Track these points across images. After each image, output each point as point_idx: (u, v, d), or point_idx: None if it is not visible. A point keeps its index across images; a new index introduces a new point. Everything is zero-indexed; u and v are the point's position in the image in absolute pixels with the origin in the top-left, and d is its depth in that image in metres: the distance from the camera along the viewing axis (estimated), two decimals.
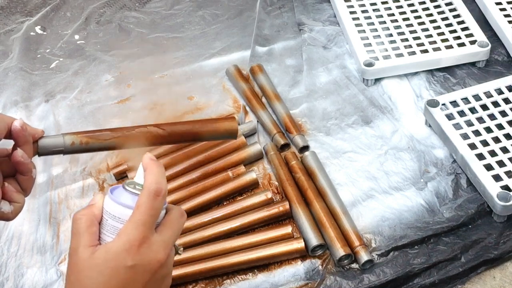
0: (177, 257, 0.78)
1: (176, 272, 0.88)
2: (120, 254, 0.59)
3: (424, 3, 1.24)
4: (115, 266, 0.59)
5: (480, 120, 1.03)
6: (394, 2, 1.25)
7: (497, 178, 0.93)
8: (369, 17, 1.22)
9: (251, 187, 0.99)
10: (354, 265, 0.89)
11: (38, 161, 1.07)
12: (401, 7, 1.24)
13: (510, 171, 0.94)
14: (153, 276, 0.61)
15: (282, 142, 1.04)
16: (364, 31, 1.19)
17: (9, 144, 0.70)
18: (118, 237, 0.60)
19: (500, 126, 1.01)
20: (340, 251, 0.88)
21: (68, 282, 0.61)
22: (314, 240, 0.90)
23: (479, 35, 1.15)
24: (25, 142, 0.69)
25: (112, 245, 0.60)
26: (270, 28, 1.28)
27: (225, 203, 0.98)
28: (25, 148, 0.69)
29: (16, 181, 0.70)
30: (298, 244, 0.90)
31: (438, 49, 1.14)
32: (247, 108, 1.12)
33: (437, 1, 1.24)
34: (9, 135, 0.69)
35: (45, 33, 1.33)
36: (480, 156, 0.96)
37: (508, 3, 1.20)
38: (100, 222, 0.63)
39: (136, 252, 0.59)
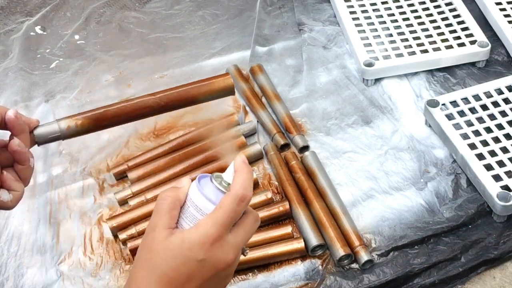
0: None
1: None
2: (194, 246, 0.61)
3: (424, 3, 1.24)
4: (187, 256, 0.61)
5: (480, 120, 1.03)
6: (394, 2, 1.25)
7: (497, 178, 0.93)
8: (369, 17, 1.22)
9: None
10: (354, 265, 0.89)
11: (38, 161, 1.07)
12: (401, 7, 1.24)
13: (510, 171, 0.94)
14: (218, 274, 0.63)
15: (282, 142, 1.04)
16: (364, 31, 1.19)
17: (6, 135, 0.70)
18: (195, 229, 0.62)
19: (500, 126, 1.01)
20: (340, 251, 0.88)
21: (139, 257, 0.63)
22: (314, 240, 0.90)
23: (479, 35, 1.15)
24: (21, 132, 0.70)
25: (189, 235, 0.61)
26: (270, 28, 1.28)
27: None
28: (22, 137, 0.70)
29: (14, 171, 0.70)
30: (298, 244, 0.90)
31: (438, 49, 1.14)
32: (247, 108, 1.12)
33: (437, 1, 1.24)
34: (4, 125, 0.70)
35: (45, 33, 1.33)
36: (480, 156, 0.96)
37: (508, 3, 1.20)
38: (182, 207, 0.65)
39: (209, 248, 0.61)
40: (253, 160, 1.03)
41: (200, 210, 0.64)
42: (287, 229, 0.92)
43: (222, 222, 0.62)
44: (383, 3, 1.25)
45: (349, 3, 1.25)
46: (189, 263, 0.61)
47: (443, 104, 1.04)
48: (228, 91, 0.86)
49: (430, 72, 1.14)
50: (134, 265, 0.64)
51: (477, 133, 1.00)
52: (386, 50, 1.15)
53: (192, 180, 0.67)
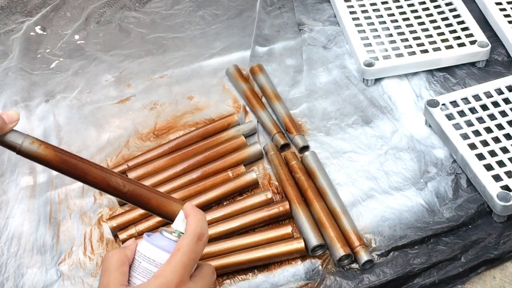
0: None
1: None
2: None
3: (424, 3, 1.24)
4: None
5: (480, 120, 1.03)
6: (394, 2, 1.25)
7: (497, 178, 0.93)
8: (369, 17, 1.22)
9: (251, 187, 0.99)
10: (354, 265, 0.89)
11: None
12: (401, 7, 1.24)
13: (510, 171, 0.94)
14: None
15: (282, 142, 1.04)
16: (364, 31, 1.19)
17: None
18: (154, 279, 0.60)
19: (500, 126, 1.01)
20: (340, 251, 0.88)
21: None
22: (314, 240, 0.90)
23: (479, 35, 1.15)
24: None
25: (148, 287, 0.60)
26: (270, 28, 1.28)
27: (225, 203, 0.98)
28: None
29: None
30: (298, 244, 0.90)
31: (438, 49, 1.14)
32: (247, 108, 1.12)
33: (437, 1, 1.24)
34: None
35: (45, 33, 1.33)
36: (480, 156, 0.96)
37: (508, 3, 1.20)
38: (131, 265, 0.63)
39: None
40: (253, 160, 1.03)
41: (154, 261, 0.63)
42: (287, 229, 0.92)
43: (183, 264, 0.60)
44: (383, 3, 1.25)
45: (349, 3, 1.25)
46: None
47: (443, 104, 1.04)
48: (170, 217, 0.81)
49: (430, 72, 1.14)
50: None
51: (477, 133, 1.00)
52: (386, 50, 1.15)
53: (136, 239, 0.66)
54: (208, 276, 0.64)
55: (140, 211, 0.96)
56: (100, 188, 0.72)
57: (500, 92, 1.07)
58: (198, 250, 0.62)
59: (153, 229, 0.94)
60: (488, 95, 1.06)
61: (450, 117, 1.03)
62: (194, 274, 0.63)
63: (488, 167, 0.95)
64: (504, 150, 0.97)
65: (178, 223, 0.66)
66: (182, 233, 0.65)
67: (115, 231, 0.95)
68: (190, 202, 0.66)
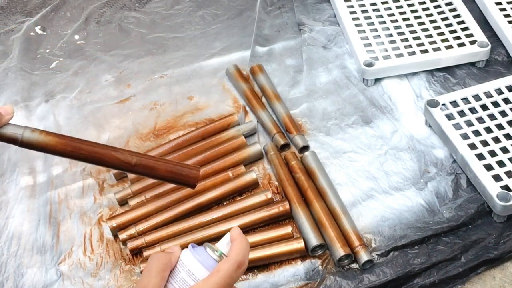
0: None
1: None
2: None
3: (424, 3, 1.24)
4: None
5: (480, 120, 1.03)
6: (394, 2, 1.25)
7: (497, 178, 0.93)
8: (369, 17, 1.22)
9: (251, 187, 0.99)
10: (354, 265, 0.89)
11: (38, 161, 1.08)
12: (401, 7, 1.24)
13: (510, 171, 0.94)
14: None
15: (282, 142, 1.04)
16: (364, 31, 1.19)
17: None
18: None
19: (500, 126, 1.01)
20: (340, 251, 0.88)
21: None
22: (314, 240, 0.90)
23: (479, 35, 1.15)
24: None
25: None
26: (270, 28, 1.28)
27: (225, 203, 0.98)
28: None
29: None
30: (298, 244, 0.90)
31: (438, 49, 1.14)
32: (247, 108, 1.12)
33: (437, 1, 1.24)
34: None
35: (45, 33, 1.33)
36: (480, 156, 0.96)
37: (508, 3, 1.20)
38: (172, 271, 0.66)
39: None
40: (253, 160, 1.03)
41: (193, 275, 0.65)
42: (287, 229, 0.92)
43: (218, 286, 0.62)
44: (383, 3, 1.25)
45: (349, 3, 1.25)
46: None
47: (443, 104, 1.04)
48: (191, 184, 0.86)
49: (430, 72, 1.14)
50: None
51: (477, 133, 1.00)
52: (386, 50, 1.15)
53: (183, 248, 0.68)
54: None
55: (140, 212, 0.96)
56: (110, 165, 0.72)
57: (500, 92, 1.07)
58: (235, 277, 0.64)
59: (153, 228, 0.94)
60: (488, 95, 1.06)
61: (450, 117, 1.03)
62: None
63: (488, 167, 0.95)
64: (504, 150, 0.97)
65: (223, 245, 0.67)
66: (225, 255, 0.67)
67: (115, 231, 0.95)
68: (237, 227, 0.68)
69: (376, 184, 0.99)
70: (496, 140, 0.99)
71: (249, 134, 1.07)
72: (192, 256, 0.66)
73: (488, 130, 1.01)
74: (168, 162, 0.84)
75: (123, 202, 1.00)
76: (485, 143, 0.98)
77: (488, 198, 0.92)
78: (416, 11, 1.23)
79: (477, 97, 1.06)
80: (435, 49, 1.14)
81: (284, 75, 1.18)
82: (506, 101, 1.05)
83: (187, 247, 0.69)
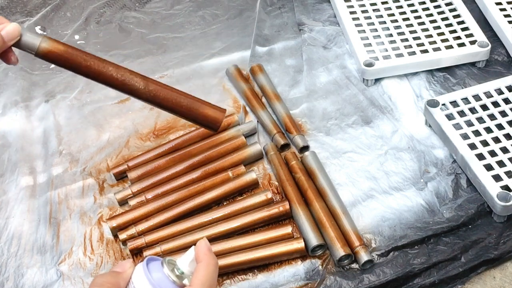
0: None
1: None
2: None
3: (424, 3, 1.24)
4: None
5: (480, 120, 1.03)
6: (394, 2, 1.25)
7: (497, 178, 0.93)
8: (369, 17, 1.22)
9: (251, 187, 0.99)
10: (354, 265, 0.89)
11: (38, 161, 1.08)
12: (401, 7, 1.24)
13: (510, 171, 0.94)
14: None
15: (282, 142, 1.04)
16: (364, 31, 1.19)
17: None
18: None
19: (500, 126, 1.01)
20: (340, 251, 0.88)
21: None
22: (314, 240, 0.90)
23: (479, 35, 1.15)
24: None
25: None
26: (270, 28, 1.28)
27: (225, 203, 0.98)
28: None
29: None
30: (298, 244, 0.90)
31: (438, 49, 1.14)
32: (247, 108, 1.12)
33: (437, 1, 1.24)
34: None
35: (45, 33, 1.33)
36: (480, 156, 0.96)
37: (508, 3, 1.20)
38: None
39: None
40: (253, 160, 1.03)
41: None
42: (287, 229, 0.92)
43: None
44: (383, 3, 1.25)
45: (349, 3, 1.25)
46: None
47: (443, 104, 1.04)
48: (212, 125, 0.83)
49: (430, 72, 1.14)
50: None
51: (477, 133, 1.00)
52: (386, 50, 1.15)
53: (137, 263, 0.58)
54: None
55: (140, 211, 0.96)
56: (121, 91, 0.71)
57: (500, 92, 1.07)
58: None
59: (153, 228, 0.94)
60: (488, 95, 1.06)
61: (450, 117, 1.03)
62: None
63: (488, 167, 0.95)
64: (504, 150, 0.97)
65: (185, 262, 0.57)
66: (186, 276, 0.56)
67: (115, 231, 0.95)
68: (205, 241, 0.55)
69: (376, 184, 0.99)
70: (496, 140, 0.99)
71: (249, 134, 1.07)
72: (145, 277, 0.55)
73: (488, 130, 1.01)
74: (190, 97, 0.78)
75: (123, 202, 1.00)
76: (485, 143, 0.98)
77: (488, 198, 0.92)
78: (416, 11, 1.23)
79: (477, 97, 1.06)
80: (435, 49, 1.14)
81: (284, 75, 1.18)
82: (506, 101, 1.05)
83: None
